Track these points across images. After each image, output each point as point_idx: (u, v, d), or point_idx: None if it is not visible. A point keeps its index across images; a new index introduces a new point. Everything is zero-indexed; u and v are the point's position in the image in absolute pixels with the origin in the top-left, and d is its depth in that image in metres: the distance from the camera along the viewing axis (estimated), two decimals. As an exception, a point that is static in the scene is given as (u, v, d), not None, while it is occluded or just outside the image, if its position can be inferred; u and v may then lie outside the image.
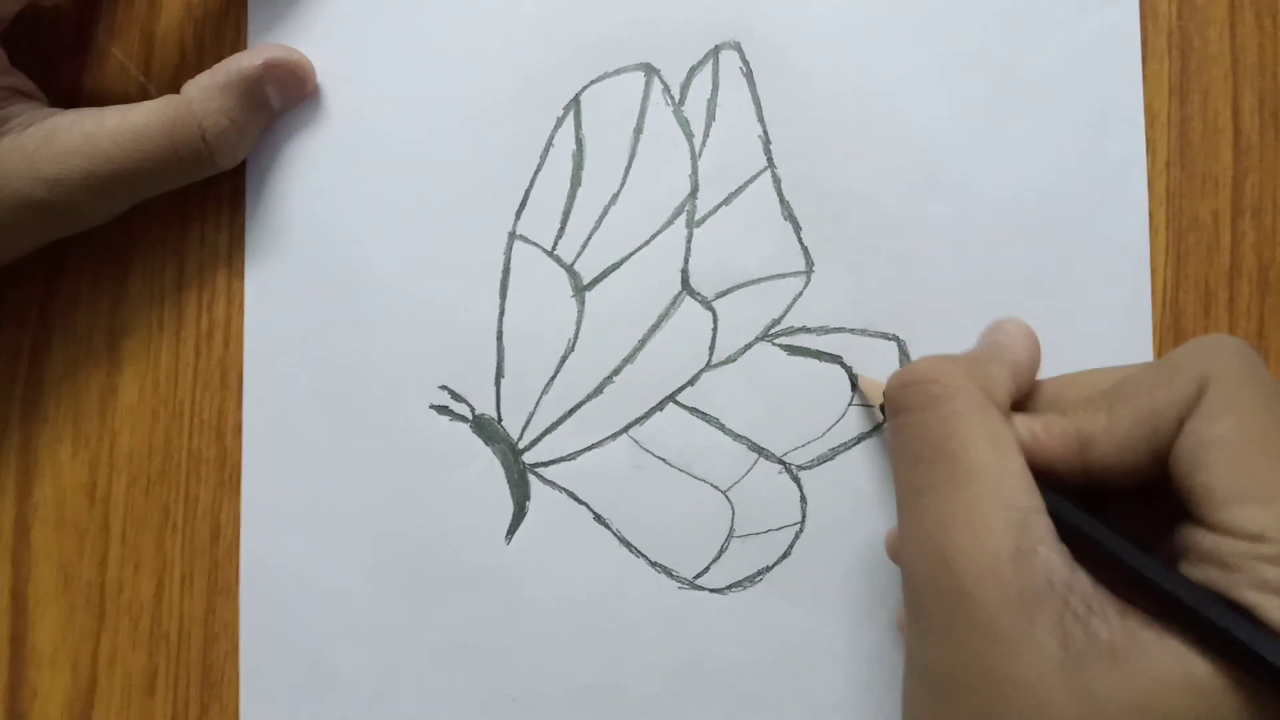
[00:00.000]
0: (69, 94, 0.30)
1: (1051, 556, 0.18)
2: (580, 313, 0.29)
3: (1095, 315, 0.28)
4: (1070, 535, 0.19)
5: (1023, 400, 0.23)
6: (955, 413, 0.20)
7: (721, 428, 0.29)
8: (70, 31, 0.31)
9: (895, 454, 0.22)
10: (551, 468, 0.29)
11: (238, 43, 0.30)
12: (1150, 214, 0.28)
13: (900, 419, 0.21)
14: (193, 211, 0.30)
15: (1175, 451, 0.19)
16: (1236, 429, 0.18)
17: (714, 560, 0.28)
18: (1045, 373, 0.27)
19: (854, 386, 0.28)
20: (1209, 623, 0.17)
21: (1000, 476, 0.19)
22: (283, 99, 0.29)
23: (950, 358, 0.22)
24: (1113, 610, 0.18)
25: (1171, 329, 0.27)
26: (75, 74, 0.31)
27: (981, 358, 0.23)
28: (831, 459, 0.28)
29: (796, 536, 0.28)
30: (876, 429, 0.28)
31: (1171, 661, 0.17)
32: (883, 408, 0.25)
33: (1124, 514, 0.21)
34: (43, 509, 0.30)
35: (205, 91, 0.27)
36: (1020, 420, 0.21)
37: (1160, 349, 0.27)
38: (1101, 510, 0.20)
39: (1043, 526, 0.19)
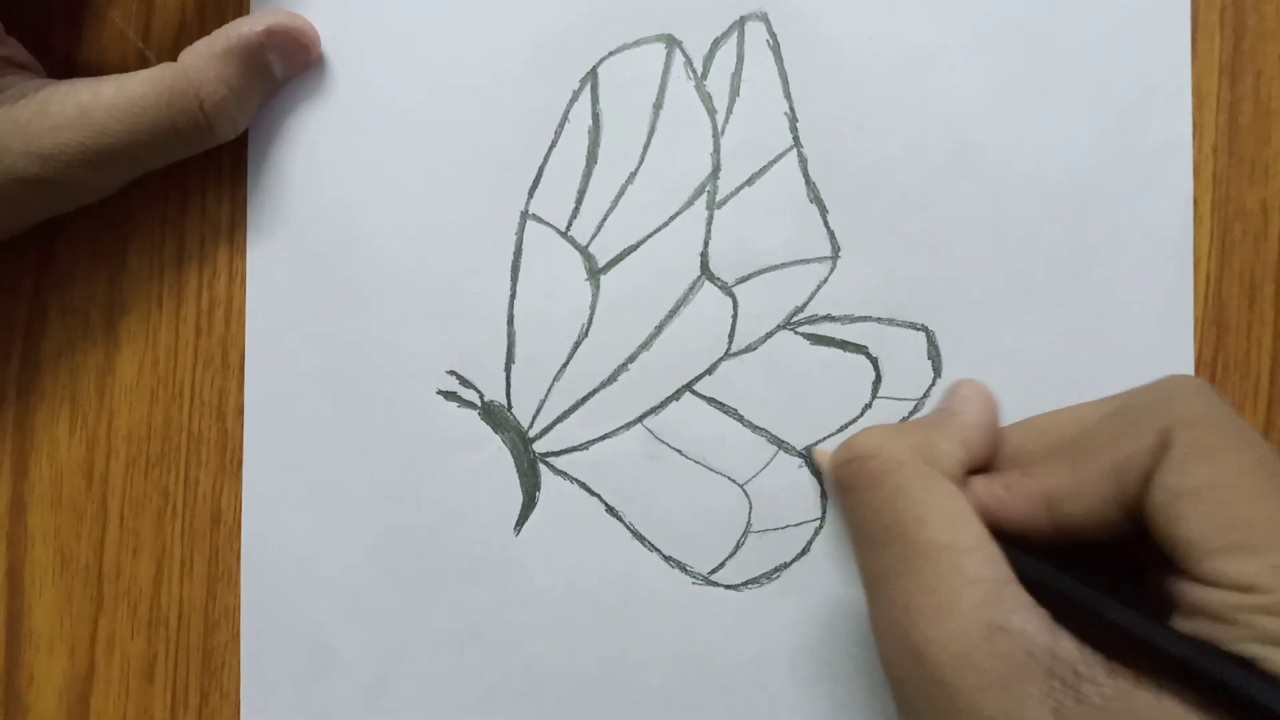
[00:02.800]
0: (65, 61, 0.29)
1: (1027, 627, 0.17)
2: (595, 297, 0.28)
3: (1133, 307, 0.26)
4: (1048, 597, 0.18)
5: (985, 456, 0.21)
6: (900, 488, 0.19)
7: (740, 419, 0.27)
8: (66, -6, 0.29)
9: (852, 535, 0.20)
10: (563, 457, 0.28)
11: (240, 7, 0.29)
12: (1195, 201, 0.26)
13: (847, 499, 0.20)
14: (193, 184, 0.29)
15: (1149, 505, 0.18)
16: (1209, 478, 0.17)
17: (730, 556, 0.27)
18: (1078, 367, 0.26)
19: (807, 459, 0.27)
20: (1211, 679, 0.16)
21: (959, 552, 0.18)
22: (285, 67, 0.27)
23: (893, 428, 0.21)
24: (1101, 672, 0.17)
25: (1214, 323, 0.26)
26: (71, 40, 0.29)
27: (927, 425, 0.21)
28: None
29: (816, 533, 0.27)
30: (902, 422, 0.27)
31: None
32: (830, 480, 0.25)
33: (1100, 567, 0.20)
34: (39, 489, 0.29)
35: (204, 59, 0.26)
36: (981, 482, 0.20)
37: (1201, 344, 0.26)
38: (1077, 565, 0.19)
39: (1013, 596, 0.18)
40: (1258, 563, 0.16)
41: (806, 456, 0.27)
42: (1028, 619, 0.18)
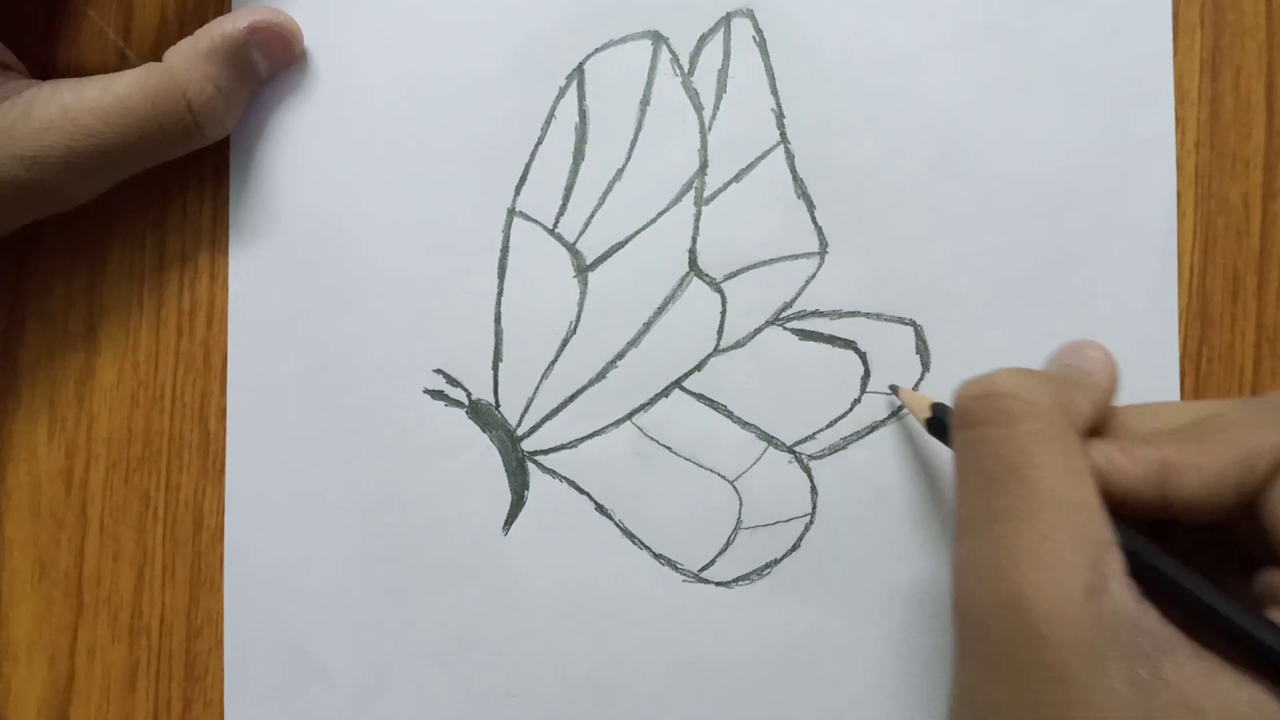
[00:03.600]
0: (45, 63, 0.29)
1: (1122, 594, 0.18)
2: (583, 294, 0.28)
3: (1118, 301, 0.26)
4: (1140, 571, 0.18)
5: (1096, 428, 0.21)
6: (1034, 433, 0.19)
7: (729, 415, 0.27)
8: (44, -7, 0.29)
9: (963, 471, 0.20)
10: (551, 456, 0.28)
11: (221, 4, 0.28)
12: (1178, 196, 0.26)
13: (972, 433, 0.20)
14: (174, 185, 0.28)
15: (1269, 497, 0.18)
16: None
17: (720, 553, 0.27)
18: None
19: (894, 393, 0.27)
20: None
21: (1076, 508, 0.18)
22: (269, 63, 0.27)
23: (1033, 373, 0.21)
24: (1184, 652, 0.17)
25: (1198, 316, 0.26)
26: (51, 41, 0.29)
27: (1064, 379, 0.21)
28: (844, 449, 0.27)
29: (806, 529, 0.27)
30: (891, 417, 0.27)
31: (1249, 711, 0.17)
32: (930, 422, 0.24)
33: (1188, 549, 0.20)
34: (17, 496, 0.29)
35: (189, 59, 0.26)
36: (1098, 445, 0.20)
37: (1185, 337, 0.26)
38: (1167, 545, 0.19)
39: (1115, 561, 0.18)
40: None
41: (796, 453, 0.27)
42: (1122, 587, 0.18)
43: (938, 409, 0.24)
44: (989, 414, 0.20)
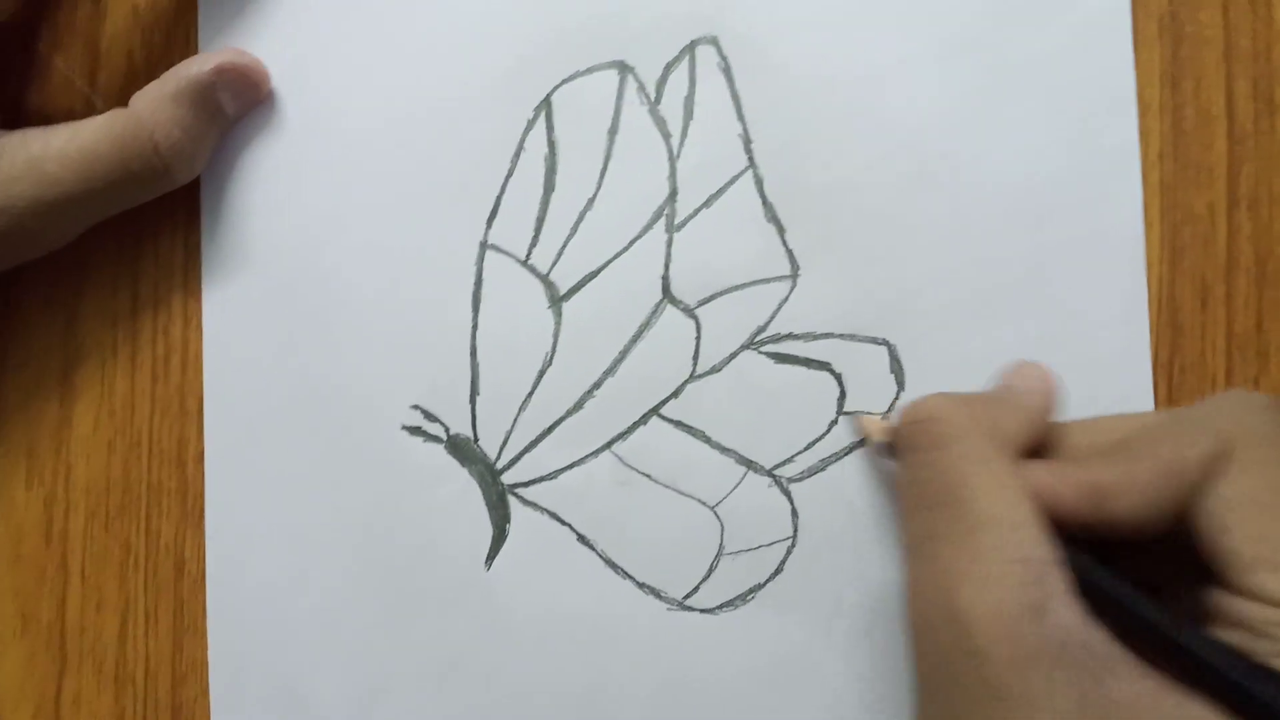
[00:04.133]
0: (12, 110, 0.29)
1: (1066, 612, 0.18)
2: (557, 324, 0.28)
3: (1091, 312, 0.27)
4: (1085, 590, 0.18)
5: (1041, 440, 0.22)
6: (963, 455, 0.19)
7: (708, 441, 0.27)
8: (8, 43, 0.29)
9: (903, 495, 0.21)
10: (532, 488, 0.28)
11: (188, 50, 0.28)
12: (1145, 207, 0.27)
13: (908, 458, 0.21)
14: (146, 228, 0.28)
15: (1198, 511, 0.18)
16: (1264, 491, 0.18)
17: (704, 579, 0.27)
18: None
19: (843, 417, 0.27)
20: (1240, 688, 0.16)
21: (1014, 526, 0.18)
22: (237, 104, 0.27)
23: (961, 397, 0.21)
24: (1131, 671, 0.17)
25: (1169, 325, 0.27)
26: (18, 89, 0.29)
27: (994, 400, 0.22)
28: (822, 470, 0.27)
29: (789, 552, 0.27)
30: (868, 438, 0.27)
31: None
32: (887, 446, 0.24)
33: (1135, 567, 0.20)
34: (-4, 547, 0.29)
35: (155, 102, 0.26)
36: (1033, 467, 0.20)
37: (1158, 347, 0.26)
38: (1114, 563, 0.19)
39: (1058, 580, 0.18)
40: None
41: (776, 476, 0.27)
42: (1067, 606, 0.18)
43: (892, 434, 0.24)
44: (922, 439, 0.20)
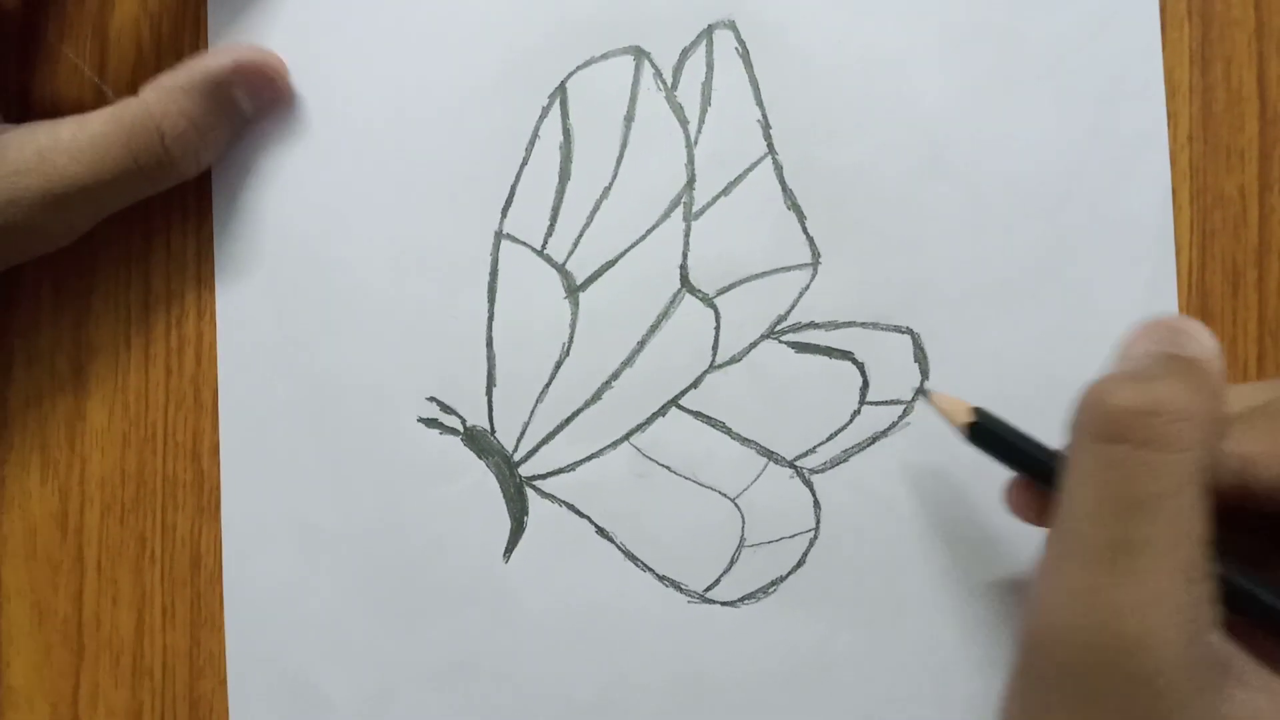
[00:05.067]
0: (20, 100, 0.28)
1: (1219, 636, 0.17)
2: (574, 315, 0.27)
3: (1116, 299, 0.26)
4: (1228, 597, 0.18)
5: None
6: (1192, 462, 0.17)
7: (728, 432, 0.27)
8: (18, 33, 0.28)
9: (1084, 490, 0.18)
10: (549, 480, 0.27)
11: (198, 38, 0.28)
12: (1173, 190, 0.26)
13: (1116, 451, 0.18)
14: (157, 221, 0.28)
15: None
16: None
17: (725, 572, 0.27)
18: (1064, 361, 0.26)
19: (923, 396, 0.26)
20: None
21: (1194, 544, 0.17)
22: (255, 104, 0.27)
23: (1196, 390, 0.18)
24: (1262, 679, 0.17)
25: (1198, 312, 0.26)
26: (25, 78, 0.29)
27: (1199, 387, 0.19)
28: (845, 461, 0.27)
29: (811, 544, 0.27)
30: (891, 428, 0.27)
31: None
32: (973, 429, 0.22)
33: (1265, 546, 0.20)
34: (12, 542, 0.28)
35: (165, 93, 0.25)
36: (1242, 432, 0.18)
37: (1187, 333, 0.26)
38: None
39: (1213, 600, 0.17)
40: None
41: (797, 468, 0.27)
42: (1217, 627, 0.17)
43: (981, 415, 0.23)
44: (1145, 433, 0.17)
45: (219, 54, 0.26)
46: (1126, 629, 0.16)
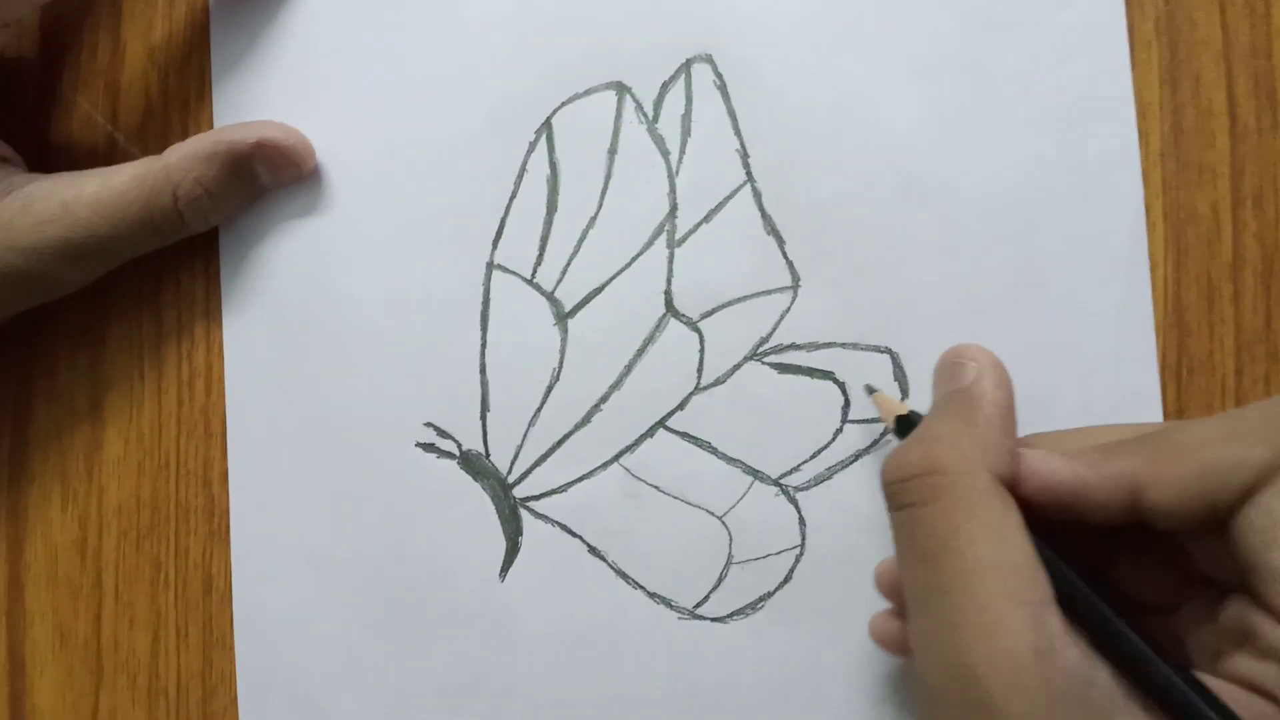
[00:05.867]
0: (38, 148, 0.30)
1: (1071, 651, 0.17)
2: (564, 341, 0.28)
3: (1091, 318, 0.27)
4: (1078, 615, 0.18)
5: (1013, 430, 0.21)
6: (957, 505, 0.19)
7: (714, 451, 0.28)
8: (35, 85, 0.30)
9: (901, 549, 0.20)
10: (543, 501, 0.28)
11: (203, 88, 0.29)
12: (1147, 208, 0.26)
13: (902, 514, 0.20)
14: (167, 261, 0.30)
15: (1242, 521, 0.18)
16: None
17: (714, 588, 0.28)
18: (1043, 379, 0.26)
19: (869, 394, 0.27)
20: None
21: (1012, 569, 0.18)
22: (274, 178, 0.28)
23: (941, 432, 0.20)
24: (1138, 709, 0.17)
25: (1175, 327, 0.26)
26: (44, 127, 0.30)
27: (969, 419, 0.20)
28: (829, 478, 0.27)
29: (797, 560, 0.27)
30: (873, 445, 0.27)
31: None
32: (900, 426, 0.24)
33: (1143, 570, 0.20)
34: (35, 568, 0.30)
35: (186, 159, 0.27)
36: (1059, 460, 0.19)
37: (1164, 349, 0.26)
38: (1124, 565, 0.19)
39: (1055, 619, 0.18)
40: None
41: (782, 486, 0.27)
42: (1070, 645, 0.17)
43: (911, 418, 0.24)
44: (915, 494, 0.19)
45: (247, 128, 0.27)
46: (962, 661, 0.17)
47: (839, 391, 0.27)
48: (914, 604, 0.19)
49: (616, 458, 0.28)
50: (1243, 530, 0.18)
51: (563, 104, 0.28)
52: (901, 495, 0.20)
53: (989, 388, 0.21)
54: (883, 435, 0.27)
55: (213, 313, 0.29)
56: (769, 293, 0.28)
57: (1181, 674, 0.17)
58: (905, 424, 0.24)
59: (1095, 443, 0.20)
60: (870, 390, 0.27)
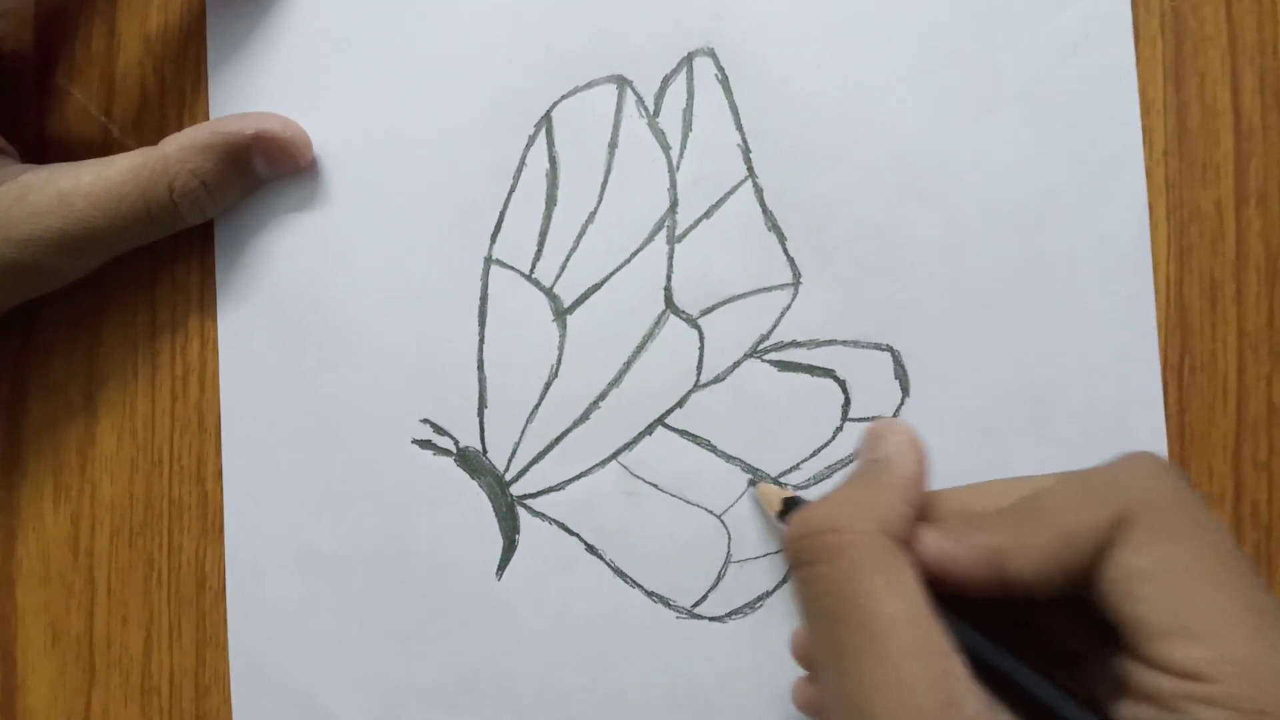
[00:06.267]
0: (34, 140, 0.30)
1: (974, 701, 0.18)
2: (562, 337, 0.28)
3: (1095, 317, 0.26)
4: (980, 666, 0.18)
5: (923, 511, 0.21)
6: (857, 563, 0.19)
7: (713, 450, 0.28)
8: (31, 76, 0.30)
9: (805, 610, 0.20)
10: (540, 499, 0.28)
11: (199, 79, 0.29)
12: (1150, 206, 0.26)
13: (803, 573, 0.20)
14: (163, 254, 0.29)
15: (1102, 579, 0.18)
16: (1168, 560, 0.18)
17: (712, 587, 0.27)
18: (1044, 379, 0.26)
19: (751, 485, 0.27)
20: None
21: (912, 625, 0.18)
22: (271, 170, 0.28)
23: (844, 496, 0.21)
24: None
25: (1178, 326, 0.26)
26: (40, 119, 0.30)
27: (874, 485, 0.21)
28: (829, 477, 0.27)
29: (796, 559, 0.27)
30: (874, 444, 0.27)
31: None
32: (781, 514, 0.25)
33: (1050, 622, 0.20)
34: (27, 564, 0.30)
35: (183, 150, 0.26)
36: (930, 534, 0.20)
37: (1166, 348, 0.26)
38: (1025, 624, 0.19)
39: (960, 669, 0.18)
40: (1204, 650, 0.17)
41: (781, 484, 0.27)
42: (973, 694, 0.18)
43: (796, 502, 0.25)
44: (814, 552, 0.20)
45: (244, 120, 0.27)
46: (865, 716, 0.18)
47: (839, 390, 0.27)
48: (821, 666, 0.20)
49: (615, 455, 0.28)
50: (1104, 590, 0.18)
51: (563, 97, 0.28)
52: (802, 553, 0.20)
53: (900, 459, 0.21)
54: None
55: (208, 307, 0.29)
56: (770, 289, 0.27)
57: (1082, 718, 0.18)
58: (792, 506, 0.24)
59: (993, 503, 0.20)
60: (752, 482, 0.27)
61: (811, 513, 0.20)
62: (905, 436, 0.22)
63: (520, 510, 0.28)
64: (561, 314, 0.28)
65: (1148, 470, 0.19)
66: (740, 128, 0.28)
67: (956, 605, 0.19)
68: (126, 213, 0.26)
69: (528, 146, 0.28)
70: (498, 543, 0.28)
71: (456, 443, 0.28)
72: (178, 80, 0.29)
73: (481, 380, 0.28)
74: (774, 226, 0.27)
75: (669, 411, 0.28)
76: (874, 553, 0.19)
